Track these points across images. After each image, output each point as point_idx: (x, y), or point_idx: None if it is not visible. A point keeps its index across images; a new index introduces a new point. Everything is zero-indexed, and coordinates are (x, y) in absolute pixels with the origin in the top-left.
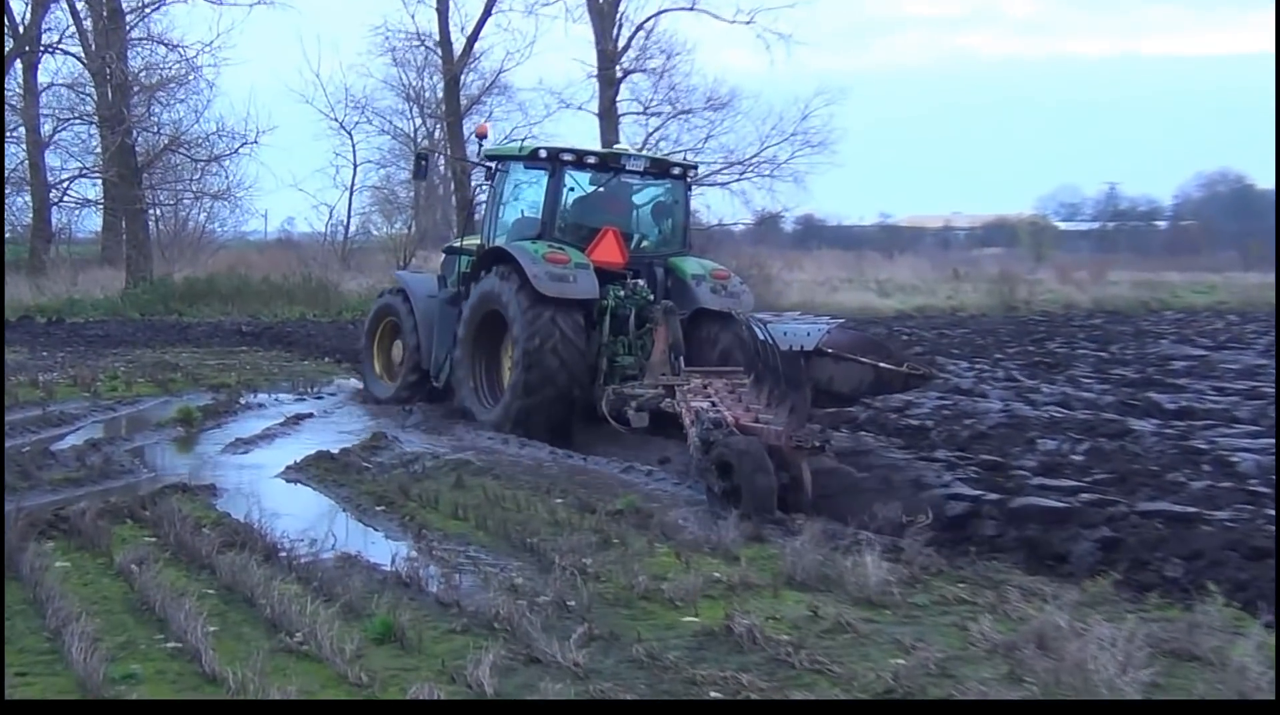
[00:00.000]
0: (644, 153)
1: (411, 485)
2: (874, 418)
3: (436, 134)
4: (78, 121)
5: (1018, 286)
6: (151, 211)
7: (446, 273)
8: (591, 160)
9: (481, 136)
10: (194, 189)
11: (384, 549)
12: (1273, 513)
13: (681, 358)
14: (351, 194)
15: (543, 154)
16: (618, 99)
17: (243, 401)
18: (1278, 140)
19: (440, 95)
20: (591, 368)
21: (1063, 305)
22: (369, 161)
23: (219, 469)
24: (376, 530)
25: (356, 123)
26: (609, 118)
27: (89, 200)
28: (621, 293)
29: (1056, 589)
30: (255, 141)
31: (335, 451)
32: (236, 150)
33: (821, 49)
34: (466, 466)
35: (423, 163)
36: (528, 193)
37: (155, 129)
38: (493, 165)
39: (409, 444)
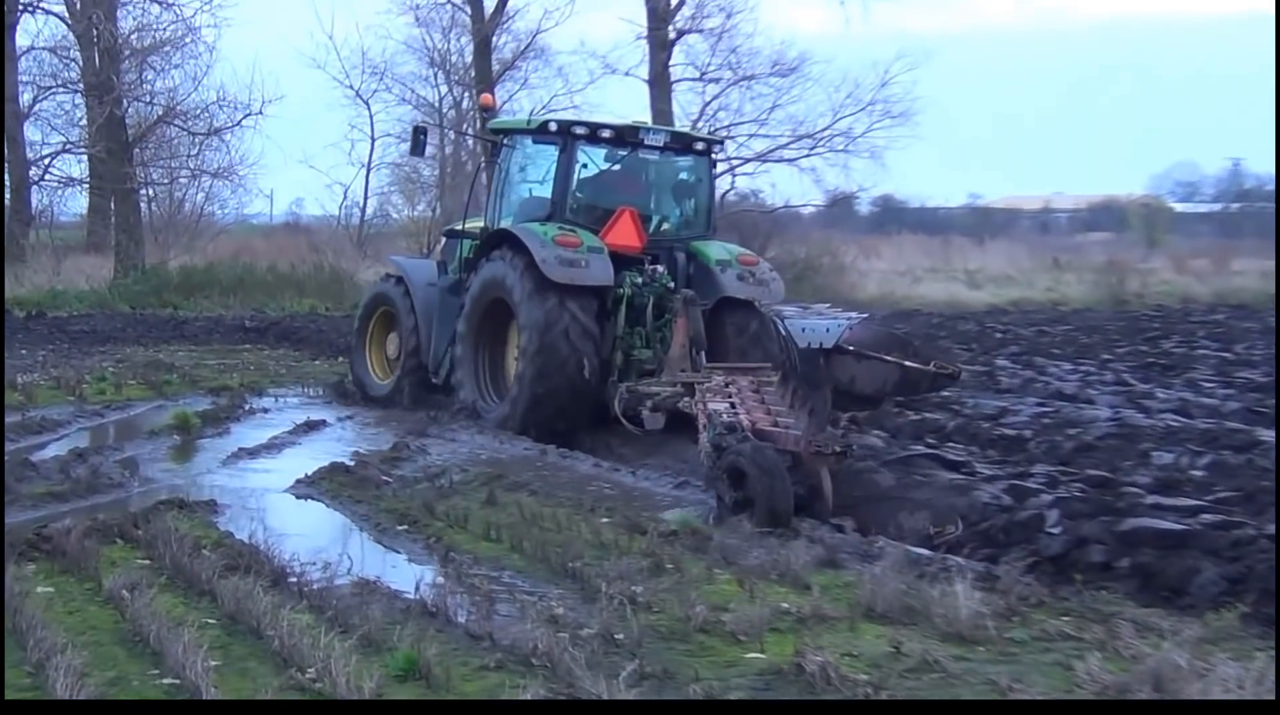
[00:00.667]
0: (664, 126)
1: (438, 502)
2: (964, 427)
3: (465, 103)
4: (61, 90)
5: (1128, 277)
6: (143, 191)
7: (448, 258)
8: (607, 134)
9: (486, 108)
10: (191, 166)
11: (407, 574)
12: None
13: (703, 353)
14: (369, 172)
15: (553, 127)
16: (670, 63)
17: (246, 406)
18: (1278, 136)
19: (469, 60)
20: (605, 362)
21: (1180, 298)
22: (388, 135)
23: (220, 483)
24: (398, 552)
25: (374, 91)
26: (661, 84)
27: (73, 179)
28: (639, 279)
29: (1174, 623)
30: (260, 112)
31: (351, 463)
32: (239, 122)
33: (903, 7)
34: (500, 480)
35: (421, 137)
36: (536, 170)
37: (148, 98)
38: (498, 140)
39: (434, 454)
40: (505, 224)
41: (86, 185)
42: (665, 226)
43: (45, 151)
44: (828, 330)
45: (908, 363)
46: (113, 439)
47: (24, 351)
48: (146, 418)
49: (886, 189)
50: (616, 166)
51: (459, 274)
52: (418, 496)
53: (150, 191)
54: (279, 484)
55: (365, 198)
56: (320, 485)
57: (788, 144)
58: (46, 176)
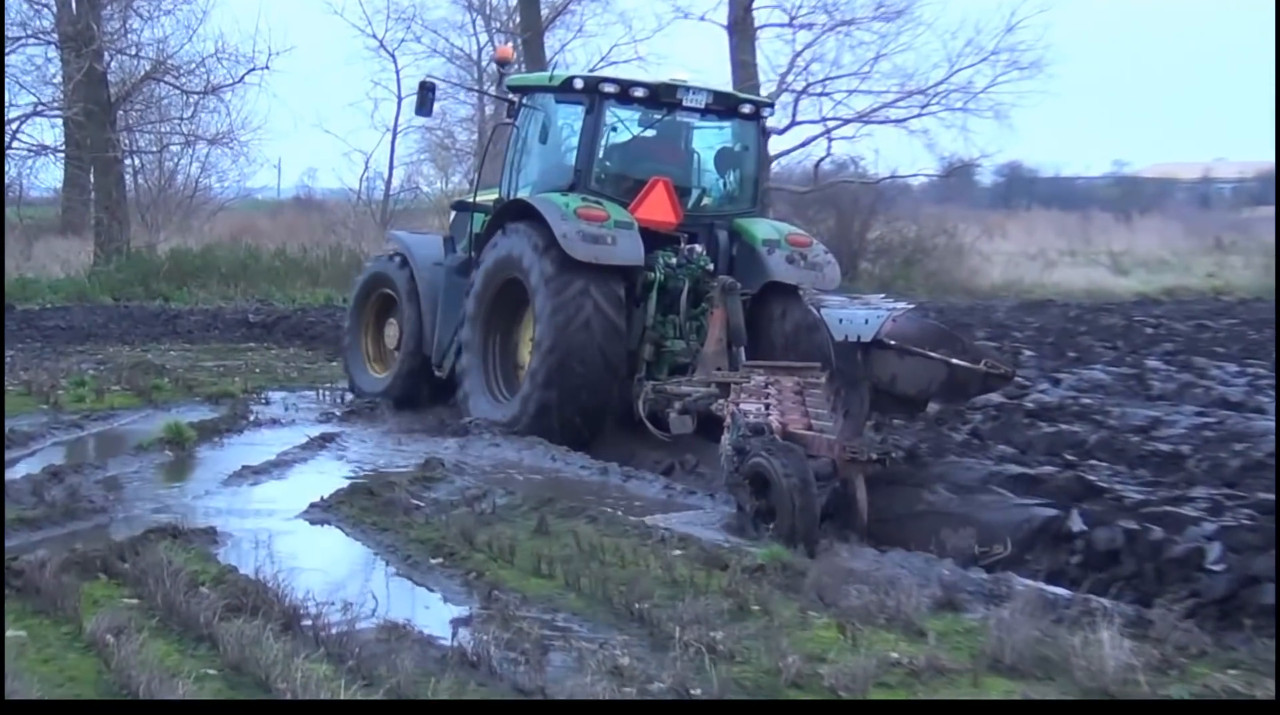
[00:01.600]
0: (707, 85)
1: (478, 530)
2: (1108, 441)
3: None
4: (31, 41)
5: None
6: (128, 161)
7: (456, 234)
8: (639, 93)
9: (503, 63)
10: (184, 131)
11: (442, 616)
12: None
13: (743, 348)
14: (395, 137)
15: (578, 84)
16: (754, 6)
17: (250, 416)
18: (1278, 131)
19: (512, 3)
20: (632, 355)
21: None
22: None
23: (221, 507)
24: (432, 591)
25: (401, 41)
26: (742, 31)
27: (45, 146)
28: (673, 260)
29: None
30: (266, 67)
31: (375, 484)
32: (241, 79)
33: None
34: (552, 505)
35: (429, 94)
36: (559, 134)
37: (133, 51)
38: (516, 99)
39: (474, 473)
40: (523, 195)
41: (61, 154)
42: (705, 200)
43: (13, 114)
44: (866, 322)
45: (954, 361)
46: (94, 455)
47: None
48: (133, 430)
49: (1013, 155)
50: (651, 131)
51: (468, 252)
52: (454, 524)
53: (136, 161)
54: (290, 509)
55: (390, 168)
56: (339, 510)
57: (895, 102)
58: (14, 143)
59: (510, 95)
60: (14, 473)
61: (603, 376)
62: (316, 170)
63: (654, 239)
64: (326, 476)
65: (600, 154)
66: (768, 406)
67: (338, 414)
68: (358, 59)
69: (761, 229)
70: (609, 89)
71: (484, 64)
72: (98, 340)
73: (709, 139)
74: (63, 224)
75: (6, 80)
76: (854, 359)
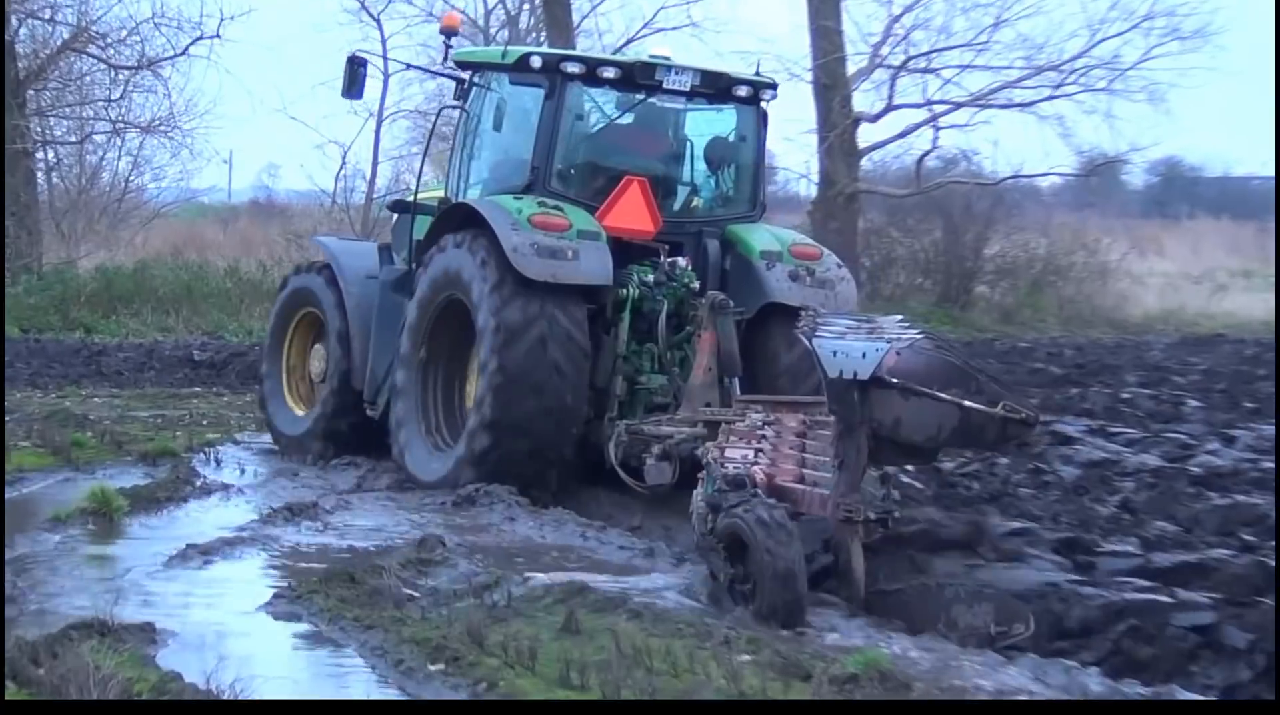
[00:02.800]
0: (693, 64)
1: (490, 627)
2: None
3: (525, 22)
4: None
5: None
6: (40, 154)
7: (397, 242)
8: (610, 73)
9: (449, 32)
10: (112, 116)
11: None
12: None
13: (736, 380)
14: (379, 125)
15: (535, 61)
16: None
17: (197, 481)
18: (1278, 133)
19: None
20: (601, 391)
21: None
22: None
23: (160, 595)
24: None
25: (389, 2)
26: None
27: None
28: (651, 277)
29: None
30: (216, 35)
31: (358, 568)
32: (185, 50)
33: None
34: (584, 595)
35: (359, 70)
36: (515, 121)
37: (48, 15)
38: (464, 79)
39: (484, 553)
40: (472, 196)
41: None
42: (693, 203)
43: None
44: (864, 356)
45: (968, 403)
46: None
47: None
48: (47, 497)
49: (1171, 150)
50: (625, 119)
51: (408, 263)
52: (459, 618)
53: (51, 154)
54: (248, 599)
55: (375, 163)
56: (312, 601)
57: (1019, 80)
58: None
59: (456, 74)
60: None
61: (560, 412)
62: (279, 167)
63: (628, 251)
64: (295, 557)
65: (563, 147)
66: (758, 452)
67: (307, 476)
68: (332, 25)
69: (760, 238)
70: (572, 68)
71: (493, 31)
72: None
73: (698, 129)
74: None
75: None
76: (850, 399)
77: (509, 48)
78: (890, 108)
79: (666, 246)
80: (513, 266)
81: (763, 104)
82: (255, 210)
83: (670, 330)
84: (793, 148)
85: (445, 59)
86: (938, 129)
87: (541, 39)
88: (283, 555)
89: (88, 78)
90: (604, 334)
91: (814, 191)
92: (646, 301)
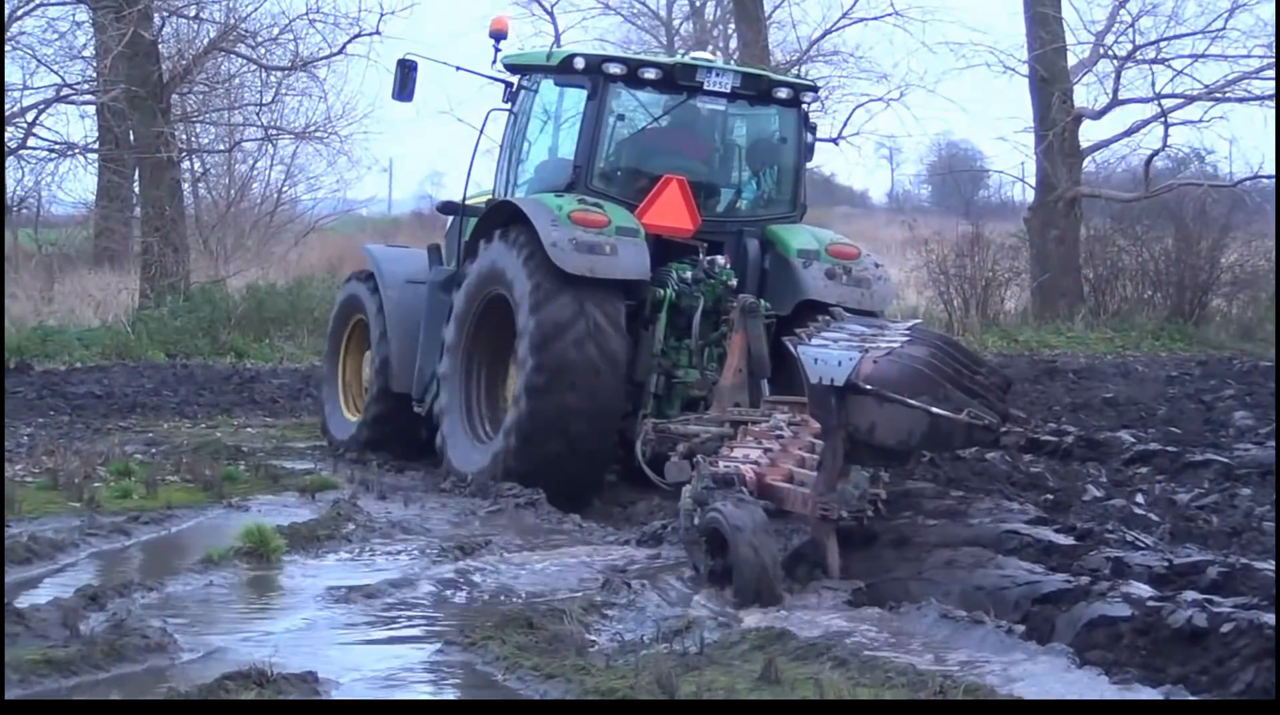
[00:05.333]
0: (734, 65)
1: (681, 676)
2: None
3: (711, 14)
4: (54, 0)
5: None
6: (186, 164)
7: (449, 244)
8: (651, 74)
9: (497, 34)
10: (264, 121)
11: None
12: None
13: (765, 380)
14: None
15: (579, 63)
16: None
17: (360, 517)
18: (1278, 135)
19: None
20: (638, 387)
21: None
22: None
23: (321, 643)
24: None
25: None
26: None
27: (72, 145)
28: (689, 275)
29: None
30: (376, 32)
31: (536, 612)
32: (342, 49)
33: None
34: (782, 641)
35: (410, 73)
36: (559, 123)
37: (194, 12)
38: (513, 81)
39: (674, 593)
40: (519, 195)
41: (95, 154)
42: (734, 203)
43: (28, 100)
44: (839, 364)
45: (935, 410)
46: (145, 572)
47: None
48: (198, 536)
49: None
50: (666, 120)
51: (457, 264)
52: (647, 667)
53: (197, 164)
54: (418, 647)
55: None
56: (487, 648)
57: (1258, 71)
58: (30, 141)
59: (507, 76)
60: (36, 595)
61: (598, 408)
62: (444, 175)
63: (668, 249)
64: (467, 600)
65: (605, 147)
66: (767, 452)
67: (485, 511)
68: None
69: (799, 238)
70: (615, 70)
71: (676, 24)
72: (146, 412)
73: (739, 130)
74: (96, 252)
75: (21, 55)
76: (829, 405)
77: (554, 49)
78: (1115, 103)
79: (705, 245)
80: (552, 261)
81: (804, 106)
82: (418, 222)
83: (708, 327)
84: (1006, 148)
85: (494, 62)
86: (1168, 125)
87: (729, 32)
88: (454, 598)
89: (236, 80)
90: (642, 330)
91: (1030, 196)
92: (684, 298)
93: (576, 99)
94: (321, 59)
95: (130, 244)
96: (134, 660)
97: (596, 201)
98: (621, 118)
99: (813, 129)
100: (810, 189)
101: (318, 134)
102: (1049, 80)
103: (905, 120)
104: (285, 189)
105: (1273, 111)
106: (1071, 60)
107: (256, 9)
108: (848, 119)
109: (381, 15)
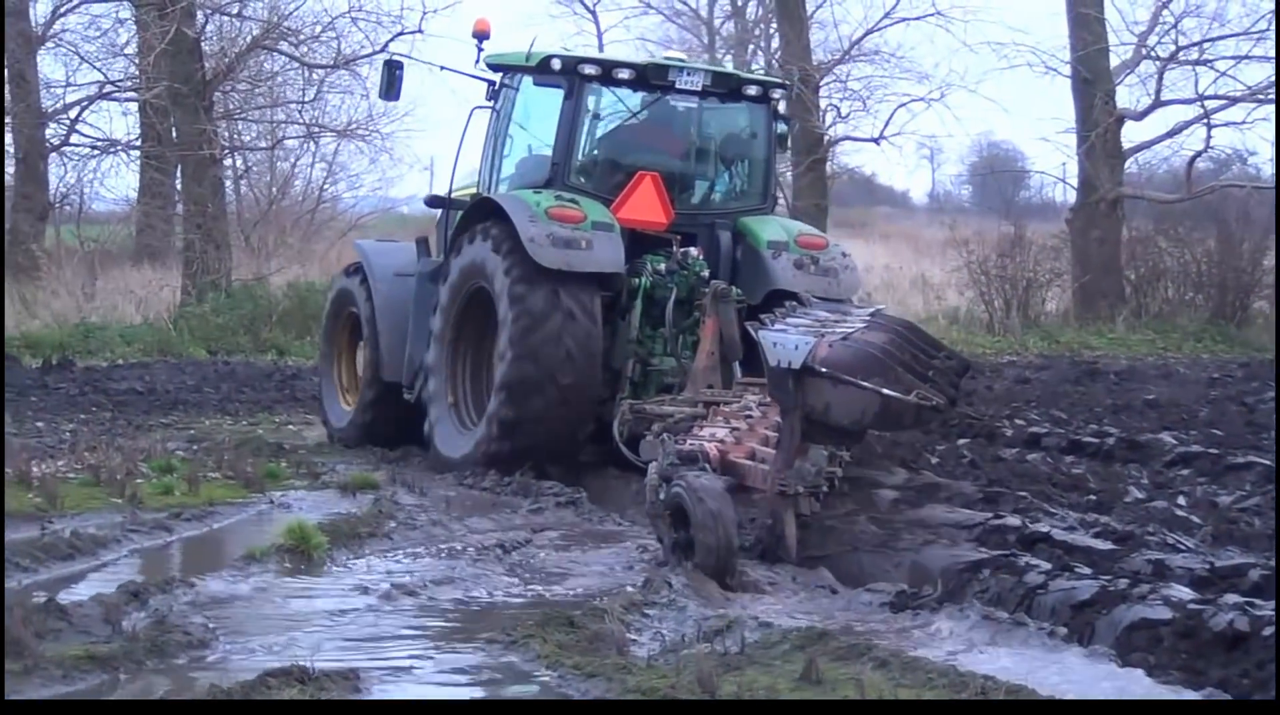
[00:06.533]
0: (704, 64)
1: (722, 676)
2: None
3: (752, 13)
4: None
5: None
6: (229, 161)
7: (440, 237)
8: (625, 74)
9: (480, 35)
10: (306, 119)
11: None
12: None
13: (737, 363)
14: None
15: (555, 64)
16: None
17: (400, 513)
18: (1278, 138)
19: None
20: (615, 373)
21: None
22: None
23: (363, 640)
24: None
25: None
26: None
27: (115, 142)
28: (663, 266)
29: None
30: (419, 30)
31: (577, 610)
32: (384, 47)
33: None
34: (823, 642)
35: (396, 73)
36: (538, 120)
37: (236, 11)
38: (495, 80)
39: (714, 592)
40: (501, 191)
41: (137, 151)
42: (706, 196)
43: (71, 97)
44: (796, 347)
45: (886, 391)
46: (187, 568)
47: (40, 423)
48: (240, 534)
49: None
50: (641, 117)
51: (443, 257)
52: (688, 666)
53: (239, 161)
54: (460, 645)
55: None
56: (528, 646)
57: None
58: (73, 139)
59: (489, 75)
60: (78, 591)
61: (575, 397)
62: None
63: (644, 242)
64: (508, 598)
65: (582, 144)
66: (735, 431)
67: (525, 509)
68: (544, 19)
69: (769, 229)
70: (589, 70)
71: (718, 24)
72: (188, 409)
73: (711, 126)
74: (138, 248)
75: (64, 53)
76: (786, 386)
77: (532, 51)
78: (1158, 104)
79: (679, 237)
80: (530, 256)
81: (773, 102)
82: None
83: (681, 315)
84: (1048, 148)
85: (477, 61)
86: (1211, 127)
87: (771, 31)
88: (495, 596)
89: (279, 78)
90: (619, 319)
91: (1072, 197)
92: (659, 288)
93: (554, 98)
94: (364, 57)
95: (172, 241)
96: (175, 655)
97: (573, 197)
98: (597, 116)
99: (787, 121)
100: (851, 189)
101: (360, 132)
102: (1091, 81)
103: (946, 120)
104: (327, 187)
105: None
106: (1114, 61)
107: (299, 7)
108: (889, 119)
109: (424, 13)
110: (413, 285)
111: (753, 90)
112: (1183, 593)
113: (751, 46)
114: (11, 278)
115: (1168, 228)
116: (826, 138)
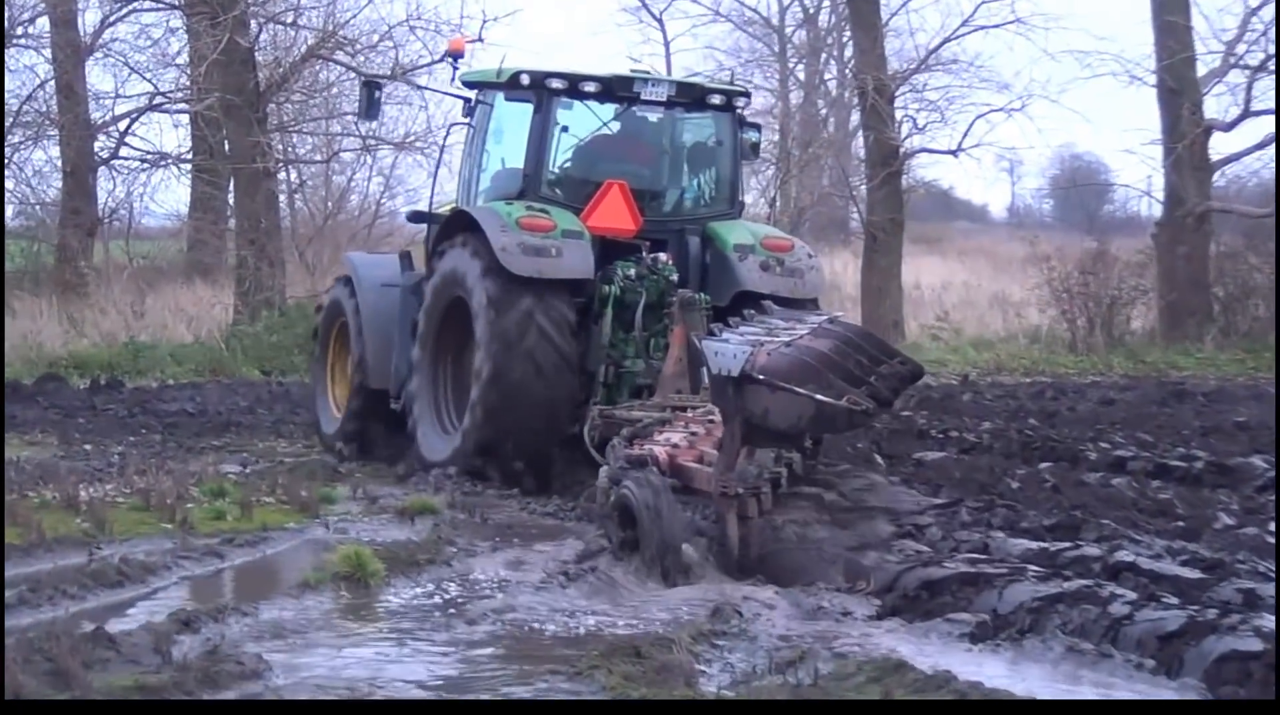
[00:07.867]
0: (670, 76)
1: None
2: None
3: (825, 21)
4: (147, 6)
5: None
6: (283, 175)
7: (428, 249)
8: (591, 87)
9: (455, 54)
10: (361, 132)
11: None
12: None
13: (705, 368)
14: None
15: (524, 79)
16: None
17: (460, 540)
18: (1278, 141)
19: None
20: (589, 376)
21: None
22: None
23: (422, 673)
24: None
25: (670, 2)
26: None
27: (165, 155)
28: (633, 272)
29: None
30: (479, 39)
31: (644, 640)
32: (444, 57)
33: None
34: (900, 673)
35: (375, 94)
36: (510, 134)
37: (291, 19)
38: (471, 97)
39: (785, 620)
40: (479, 203)
41: (188, 165)
42: (675, 204)
43: (121, 108)
44: (735, 356)
45: (819, 397)
46: (240, 596)
47: (88, 446)
48: (295, 560)
49: None
50: (609, 129)
51: (427, 268)
52: (759, 699)
53: (294, 175)
54: (522, 676)
55: None
56: (593, 677)
57: None
58: (122, 152)
59: (464, 92)
60: (128, 619)
61: (549, 411)
62: None
63: (614, 249)
64: (573, 627)
65: (551, 156)
66: (693, 436)
67: (589, 535)
68: (609, 27)
69: (736, 233)
70: (556, 84)
71: (789, 32)
72: (241, 431)
73: (678, 136)
74: (189, 265)
75: (113, 63)
76: (727, 393)
77: (503, 67)
78: (1247, 114)
79: (649, 243)
80: (502, 265)
81: (737, 111)
82: None
83: (652, 319)
84: (1133, 161)
85: (453, 80)
86: None
87: (844, 39)
88: (559, 625)
89: (335, 88)
90: (592, 324)
91: (1158, 211)
92: (629, 294)
93: (524, 112)
94: (422, 66)
95: (224, 257)
96: (228, 688)
97: (543, 207)
98: (566, 129)
99: (756, 128)
100: (928, 203)
101: (417, 144)
102: (1178, 91)
103: (1027, 131)
104: (384, 201)
105: None
106: (1201, 70)
107: (356, 15)
108: (967, 130)
109: (484, 22)
110: (399, 297)
111: (717, 99)
112: (1274, 623)
113: (824, 55)
114: (59, 295)
115: (1258, 243)
116: (902, 150)
